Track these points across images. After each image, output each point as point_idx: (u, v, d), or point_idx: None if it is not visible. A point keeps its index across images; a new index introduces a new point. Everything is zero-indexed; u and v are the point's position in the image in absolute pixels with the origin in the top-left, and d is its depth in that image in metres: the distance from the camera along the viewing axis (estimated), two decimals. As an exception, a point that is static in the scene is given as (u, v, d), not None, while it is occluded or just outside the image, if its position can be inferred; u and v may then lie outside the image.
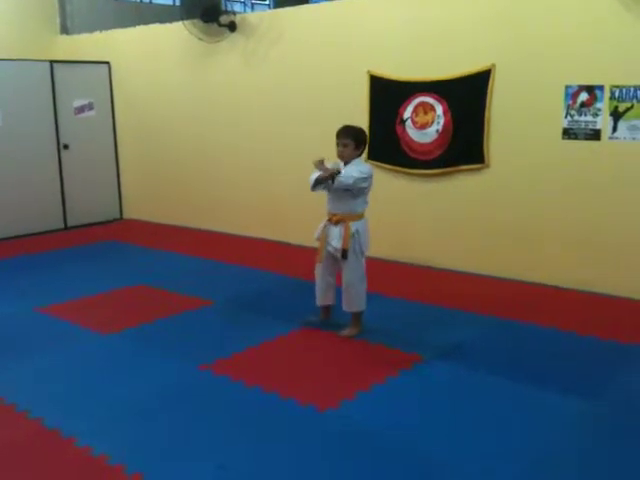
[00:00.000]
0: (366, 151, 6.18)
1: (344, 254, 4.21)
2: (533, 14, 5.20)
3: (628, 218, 5.00)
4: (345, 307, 4.40)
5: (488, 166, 5.62)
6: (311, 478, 2.79)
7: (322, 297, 4.51)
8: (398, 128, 6.02)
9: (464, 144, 5.68)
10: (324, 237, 4.31)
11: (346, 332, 4.38)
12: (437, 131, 5.78)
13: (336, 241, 4.24)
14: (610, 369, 3.86)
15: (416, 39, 5.85)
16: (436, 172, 5.88)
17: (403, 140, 6.01)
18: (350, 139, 4.20)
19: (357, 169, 4.15)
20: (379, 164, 6.21)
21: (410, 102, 5.91)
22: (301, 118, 6.77)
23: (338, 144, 4.22)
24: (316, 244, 4.44)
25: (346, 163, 4.24)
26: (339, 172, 4.08)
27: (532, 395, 3.52)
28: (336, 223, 4.23)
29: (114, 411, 3.41)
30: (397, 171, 6.14)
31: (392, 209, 6.26)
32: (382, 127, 6.13)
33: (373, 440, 3.08)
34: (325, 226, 4.32)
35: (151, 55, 8.01)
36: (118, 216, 8.87)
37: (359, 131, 4.29)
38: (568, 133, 5.16)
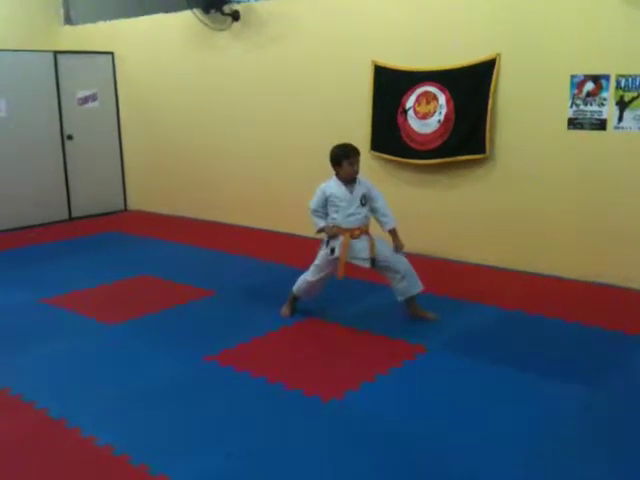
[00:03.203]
0: (369, 141, 6.24)
1: (373, 263, 4.30)
2: (538, 3, 5.16)
3: (634, 208, 4.98)
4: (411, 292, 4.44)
5: (493, 156, 5.60)
6: (316, 468, 2.80)
7: (312, 295, 4.59)
8: (399, 118, 5.99)
9: (465, 134, 5.64)
10: (346, 253, 4.27)
11: (430, 315, 4.49)
12: (439, 121, 5.74)
13: (365, 252, 4.29)
14: (614, 359, 3.86)
15: (421, 28, 5.81)
16: (436, 162, 5.85)
17: (404, 130, 5.98)
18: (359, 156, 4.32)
19: (377, 191, 4.40)
20: (380, 154, 6.20)
21: (413, 91, 5.87)
22: (305, 108, 6.75)
23: (353, 163, 4.26)
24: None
25: (354, 180, 4.31)
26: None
27: (536, 385, 3.52)
28: (359, 236, 4.28)
29: (119, 402, 3.42)
30: (398, 162, 6.12)
31: (395, 199, 6.23)
32: (384, 117, 6.10)
33: (377, 430, 3.09)
34: (343, 243, 4.26)
35: (155, 45, 7.99)
36: (122, 207, 8.88)
37: None
38: (574, 123, 5.14)
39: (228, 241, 6.95)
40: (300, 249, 6.47)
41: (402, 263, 4.37)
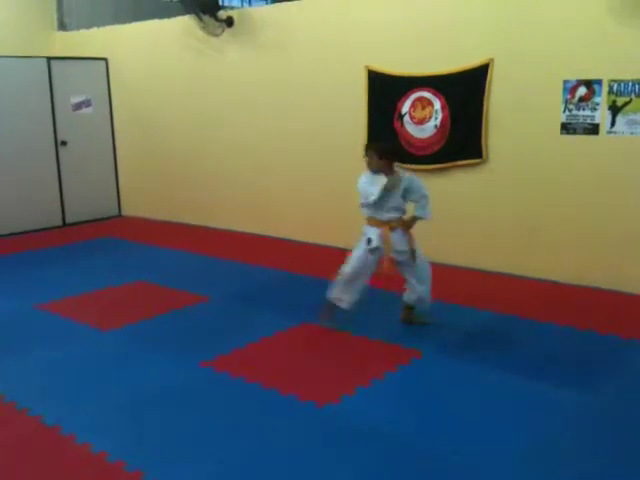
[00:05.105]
0: (365, 147, 6.25)
1: (413, 254, 4.28)
2: (531, 8, 5.19)
3: (627, 212, 5.00)
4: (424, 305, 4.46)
5: (486, 161, 5.62)
6: (310, 473, 2.80)
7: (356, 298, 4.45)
8: (396, 123, 6.01)
9: (462, 139, 5.68)
10: (390, 244, 4.24)
11: (425, 319, 4.48)
12: (435, 126, 5.78)
13: (403, 245, 4.24)
14: (609, 363, 3.87)
15: (414, 34, 5.84)
16: (434, 167, 5.88)
17: (401, 135, 6.00)
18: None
19: (416, 185, 4.29)
20: (377, 159, 6.21)
21: (408, 97, 5.90)
22: (299, 113, 6.76)
23: (367, 156, 4.28)
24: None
25: (392, 173, 4.27)
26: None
27: (531, 389, 3.53)
28: (395, 229, 4.25)
29: (114, 408, 3.41)
30: (396, 166, 6.12)
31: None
32: (380, 122, 6.12)
33: (372, 435, 3.09)
34: (381, 234, 4.23)
35: (149, 51, 7.99)
36: (116, 213, 8.87)
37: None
38: (567, 128, 5.16)
39: (222, 246, 6.94)
40: (295, 254, 6.49)
41: (425, 267, 4.38)
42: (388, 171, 4.23)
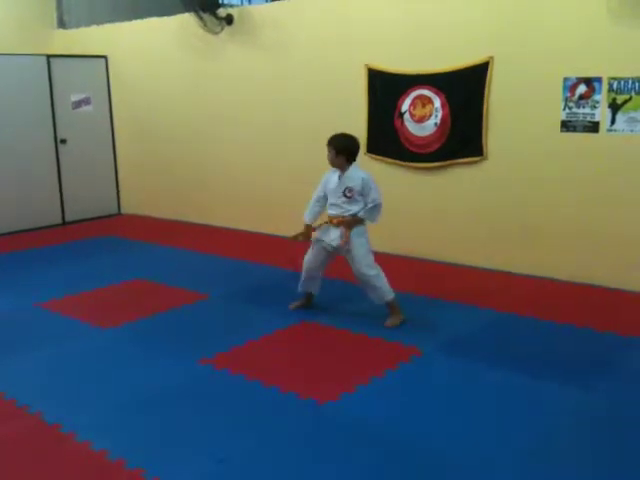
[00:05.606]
0: (365, 145, 6.24)
1: (338, 250, 4.47)
2: (531, 6, 5.19)
3: (627, 210, 5.00)
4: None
5: (486, 158, 5.62)
6: (310, 472, 2.80)
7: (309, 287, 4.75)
8: (396, 121, 6.01)
9: (462, 137, 5.68)
10: (320, 234, 4.56)
11: (389, 322, 4.47)
12: (435, 124, 5.78)
13: (336, 241, 4.42)
14: (608, 361, 3.87)
15: (414, 32, 5.83)
16: (434, 165, 5.89)
17: (401, 133, 6.00)
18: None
19: (370, 188, 4.40)
20: (378, 157, 6.21)
21: (408, 95, 5.90)
22: (299, 112, 6.75)
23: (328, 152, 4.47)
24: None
25: (343, 170, 4.43)
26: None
27: (531, 387, 3.53)
28: (337, 225, 4.42)
29: (114, 406, 3.41)
30: (396, 164, 6.14)
31: (391, 202, 6.24)
32: (380, 120, 6.13)
33: (372, 433, 3.09)
34: (326, 228, 4.52)
35: (149, 49, 7.98)
36: (116, 211, 8.87)
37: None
38: (566, 125, 5.16)
39: (222, 244, 6.94)
40: (294, 252, 6.48)
41: (357, 265, 4.42)
42: (343, 168, 4.40)
